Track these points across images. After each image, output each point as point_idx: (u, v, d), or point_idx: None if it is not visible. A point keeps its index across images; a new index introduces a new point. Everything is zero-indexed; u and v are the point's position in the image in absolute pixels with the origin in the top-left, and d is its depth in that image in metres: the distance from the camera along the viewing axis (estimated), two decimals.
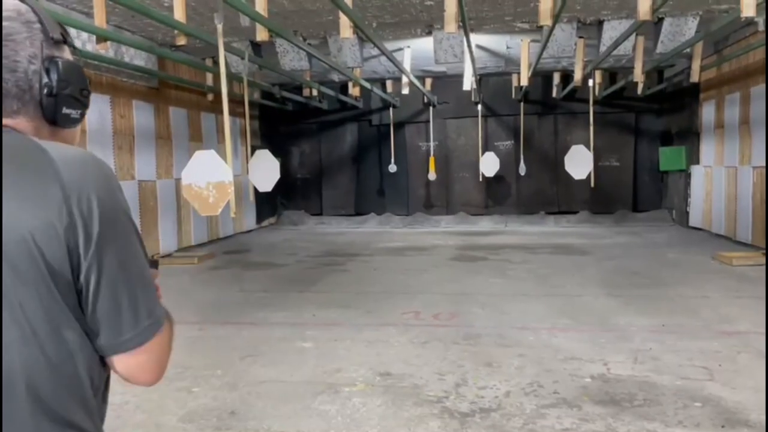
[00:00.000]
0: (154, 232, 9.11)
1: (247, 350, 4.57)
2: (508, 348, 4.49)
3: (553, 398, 3.55)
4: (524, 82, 9.32)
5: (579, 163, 9.58)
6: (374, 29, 7.95)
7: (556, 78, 11.70)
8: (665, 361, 4.13)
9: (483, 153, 12.29)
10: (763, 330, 4.72)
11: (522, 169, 12.63)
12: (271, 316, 5.60)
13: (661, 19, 7.67)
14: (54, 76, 1.01)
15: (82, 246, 0.93)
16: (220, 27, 4.74)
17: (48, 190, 0.92)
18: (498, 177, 12.73)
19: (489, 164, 12.04)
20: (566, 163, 9.79)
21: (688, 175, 11.30)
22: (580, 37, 8.34)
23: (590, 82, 9.69)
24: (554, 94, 12.00)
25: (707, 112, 10.48)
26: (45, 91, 1.00)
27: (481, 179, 12.54)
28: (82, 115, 1.08)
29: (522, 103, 12.52)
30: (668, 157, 11.97)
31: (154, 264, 1.27)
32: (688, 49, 8.18)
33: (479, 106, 12.42)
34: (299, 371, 4.11)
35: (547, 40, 7.12)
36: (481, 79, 11.78)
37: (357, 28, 5.90)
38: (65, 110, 1.03)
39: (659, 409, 3.37)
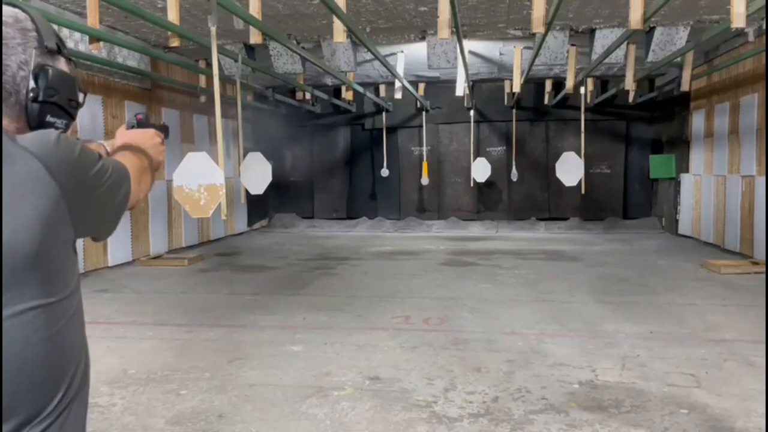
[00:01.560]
0: (144, 233, 9.08)
1: (235, 353, 4.56)
2: (496, 353, 4.50)
3: (541, 404, 3.56)
4: (516, 88, 9.37)
5: (570, 169, 9.61)
6: (368, 34, 7.97)
7: (548, 85, 11.77)
8: (652, 367, 4.16)
9: (475, 158, 12.33)
10: (750, 338, 4.77)
11: (513, 175, 12.68)
12: (260, 319, 5.59)
13: (652, 29, 7.74)
14: (42, 83, 1.04)
15: None
16: (213, 29, 4.74)
17: None
18: (489, 183, 12.78)
19: (480, 170, 12.07)
20: (557, 169, 9.83)
21: (678, 183, 11.39)
22: (573, 45, 8.40)
23: (582, 90, 9.74)
24: (546, 101, 12.05)
25: (697, 121, 10.57)
26: (30, 95, 1.03)
27: (472, 185, 12.58)
28: (67, 126, 1.11)
29: (514, 110, 12.58)
30: (658, 165, 12.06)
31: (163, 129, 1.38)
32: (679, 59, 8.25)
33: (472, 112, 12.46)
34: (288, 375, 4.11)
35: (539, 48, 7.15)
36: (473, 85, 11.84)
37: (351, 32, 5.91)
38: (49, 118, 1.06)
39: (646, 415, 3.39)
